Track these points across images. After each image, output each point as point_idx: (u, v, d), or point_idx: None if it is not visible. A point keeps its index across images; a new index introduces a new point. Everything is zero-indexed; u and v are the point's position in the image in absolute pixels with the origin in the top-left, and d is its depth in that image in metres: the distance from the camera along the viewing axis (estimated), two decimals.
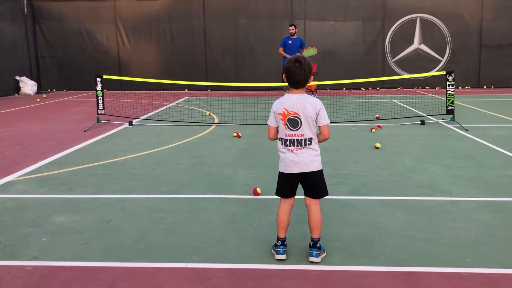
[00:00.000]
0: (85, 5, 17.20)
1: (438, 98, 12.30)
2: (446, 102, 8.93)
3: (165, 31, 17.06)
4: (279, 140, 3.33)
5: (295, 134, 3.22)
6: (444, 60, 16.64)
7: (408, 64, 16.64)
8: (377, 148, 6.83)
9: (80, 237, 3.70)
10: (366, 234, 3.73)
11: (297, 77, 3.21)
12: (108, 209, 4.37)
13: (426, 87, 16.35)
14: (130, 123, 9.21)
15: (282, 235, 3.35)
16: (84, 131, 8.55)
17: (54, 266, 3.23)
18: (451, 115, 8.92)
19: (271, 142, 7.75)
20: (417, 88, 16.38)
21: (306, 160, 3.25)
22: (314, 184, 3.33)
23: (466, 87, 16.46)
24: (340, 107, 11.10)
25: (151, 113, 10.85)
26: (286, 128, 3.23)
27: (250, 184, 5.07)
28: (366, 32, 16.82)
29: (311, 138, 3.25)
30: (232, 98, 14.09)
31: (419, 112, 10.26)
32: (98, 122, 9.28)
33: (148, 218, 4.10)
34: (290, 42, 12.53)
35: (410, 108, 11.03)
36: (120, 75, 16.31)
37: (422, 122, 8.91)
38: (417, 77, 15.74)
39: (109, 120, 9.55)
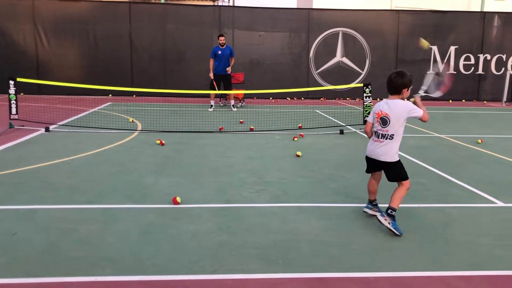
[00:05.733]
0: None
1: (357, 109, 12.89)
2: (364, 113, 9.38)
3: (89, 33, 16.43)
4: (373, 131, 4.29)
5: (384, 130, 4.12)
6: (364, 72, 17.49)
7: (331, 76, 17.29)
8: (298, 156, 7.00)
9: None
10: (284, 241, 3.79)
11: (389, 87, 4.12)
12: (15, 220, 4.09)
13: (347, 98, 17.08)
14: (47, 129, 8.73)
15: (371, 197, 4.44)
16: None
17: None
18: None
19: (196, 149, 7.69)
20: (339, 99, 17.06)
21: None
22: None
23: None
24: (266, 116, 11.29)
25: (70, 119, 10.37)
26: (378, 124, 4.14)
27: (170, 193, 4.99)
28: (292, 44, 17.28)
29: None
30: (158, 104, 13.84)
31: (339, 122, 10.68)
32: (10, 128, 8.71)
33: (58, 230, 3.88)
34: (220, 52, 12.63)
35: (331, 118, 11.45)
36: (38, 78, 15.44)
37: (341, 132, 9.28)
38: (339, 89, 16.39)
39: (23, 126, 9.00)
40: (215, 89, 12.63)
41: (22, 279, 3.06)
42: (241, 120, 10.66)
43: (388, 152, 4.10)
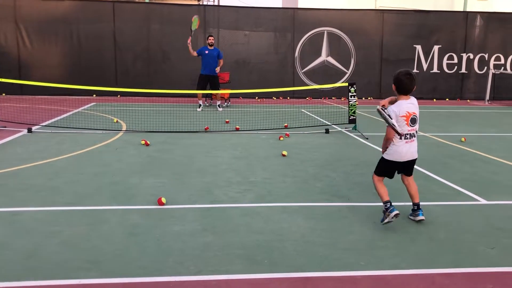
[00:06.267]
0: None
1: (343, 108, 12.96)
2: (349, 112, 9.44)
3: (72, 33, 16.23)
4: (398, 135, 4.04)
5: (413, 129, 4.11)
6: (349, 72, 17.58)
7: (316, 75, 17.35)
8: (284, 156, 7.01)
9: None
10: (269, 241, 3.79)
11: (409, 87, 4.05)
12: None
13: (333, 98, 17.16)
14: (29, 130, 8.61)
15: (388, 198, 4.13)
16: None
17: None
18: (353, 124, 9.45)
19: (181, 149, 7.67)
20: (324, 98, 17.13)
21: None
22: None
23: (369, 98, 17.52)
24: (252, 116, 11.29)
25: (53, 120, 10.24)
26: (408, 126, 4.06)
27: (155, 194, 4.96)
28: (278, 43, 17.29)
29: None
30: (142, 104, 13.75)
31: (325, 121, 10.72)
32: None
33: (41, 232, 3.83)
34: (207, 52, 12.61)
35: (317, 118, 11.49)
36: (20, 79, 15.22)
37: (327, 131, 9.32)
38: (324, 88, 16.46)
39: (5, 127, 8.87)
40: (202, 89, 12.66)
41: (5, 283, 3.01)
42: (227, 120, 10.64)
43: (416, 148, 4.22)
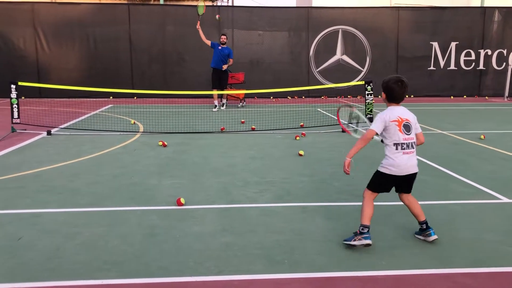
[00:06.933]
0: None
1: (359, 107, 12.86)
2: (365, 111, 9.37)
3: (88, 36, 16.45)
4: (393, 145, 3.61)
5: (410, 138, 3.62)
6: (364, 70, 17.46)
7: (331, 74, 17.27)
8: (300, 155, 6.99)
9: None
10: (288, 241, 3.78)
11: (401, 95, 3.67)
12: (19, 225, 4.09)
13: (348, 96, 17.06)
14: (49, 133, 8.74)
15: (369, 223, 3.64)
16: None
17: None
18: (371, 123, 9.36)
19: (197, 150, 7.69)
20: (340, 97, 17.03)
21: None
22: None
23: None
24: (267, 116, 11.28)
25: (72, 122, 10.38)
26: (402, 133, 3.60)
27: (174, 194, 4.98)
28: (292, 43, 17.27)
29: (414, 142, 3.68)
30: (159, 106, 13.85)
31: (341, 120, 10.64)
32: (12, 132, 8.72)
33: (63, 233, 3.88)
34: (220, 48, 12.74)
35: (333, 116, 11.43)
36: (39, 82, 15.47)
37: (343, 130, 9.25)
38: (340, 87, 16.36)
39: (25, 130, 9.02)
40: (216, 88, 12.83)
41: (28, 284, 3.05)
42: (243, 120, 10.65)
43: (416, 161, 3.69)
